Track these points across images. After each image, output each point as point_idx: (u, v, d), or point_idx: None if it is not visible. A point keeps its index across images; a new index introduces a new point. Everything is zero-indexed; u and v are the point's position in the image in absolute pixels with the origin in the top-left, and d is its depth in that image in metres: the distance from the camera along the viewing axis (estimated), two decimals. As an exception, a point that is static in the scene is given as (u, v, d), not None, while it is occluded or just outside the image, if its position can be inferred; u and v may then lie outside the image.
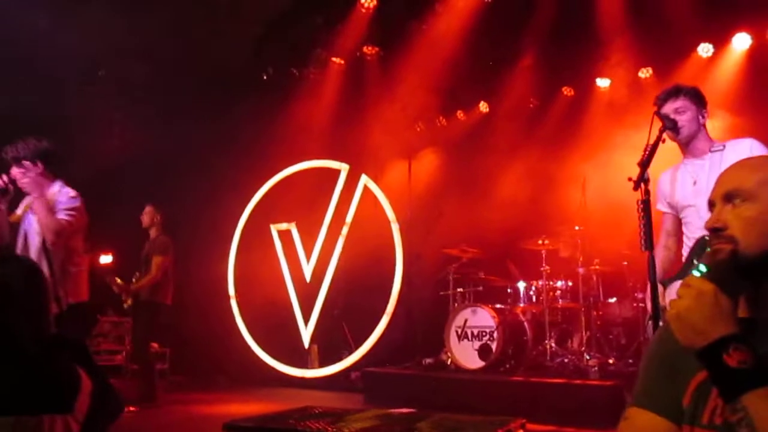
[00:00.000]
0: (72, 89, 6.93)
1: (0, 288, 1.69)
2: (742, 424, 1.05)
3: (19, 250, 3.53)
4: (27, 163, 3.60)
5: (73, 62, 6.63)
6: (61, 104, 6.66)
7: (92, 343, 8.40)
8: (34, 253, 3.50)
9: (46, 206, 3.47)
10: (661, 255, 3.07)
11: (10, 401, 1.58)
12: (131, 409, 5.80)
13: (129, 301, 6.22)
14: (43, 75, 6.36)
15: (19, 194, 3.68)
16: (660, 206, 3.13)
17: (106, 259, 9.09)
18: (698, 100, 2.99)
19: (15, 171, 3.57)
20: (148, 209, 6.44)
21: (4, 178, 3.50)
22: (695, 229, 2.92)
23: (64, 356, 1.76)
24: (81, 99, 7.02)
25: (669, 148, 3.05)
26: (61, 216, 3.53)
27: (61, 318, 3.27)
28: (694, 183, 2.94)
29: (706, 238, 2.77)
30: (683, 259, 2.99)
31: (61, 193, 3.64)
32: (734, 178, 1.24)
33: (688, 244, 2.95)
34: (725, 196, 1.23)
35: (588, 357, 5.61)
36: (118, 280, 6.12)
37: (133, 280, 6.22)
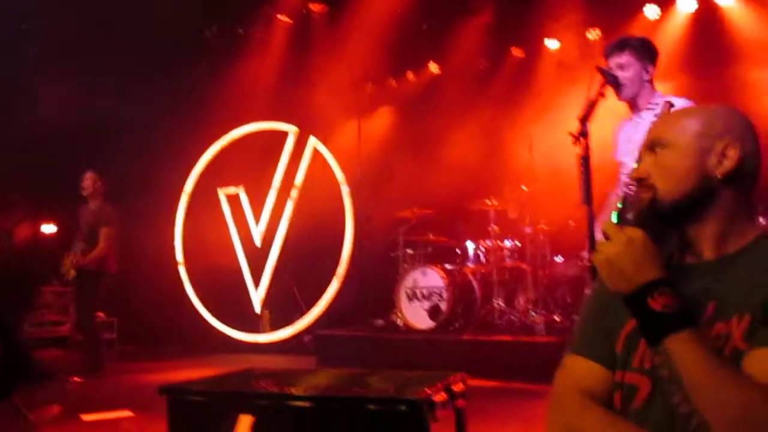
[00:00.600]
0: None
1: None
2: (663, 366, 1.08)
3: None
4: None
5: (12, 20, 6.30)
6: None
7: (35, 314, 8.20)
8: None
9: None
10: (610, 201, 3.12)
11: None
12: (76, 379, 5.68)
13: (72, 272, 6.02)
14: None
15: None
16: (615, 156, 3.16)
17: (49, 228, 8.82)
18: (644, 53, 2.93)
19: None
20: (89, 176, 6.21)
21: None
22: (621, 184, 2.97)
23: None
24: (9, 60, 6.66)
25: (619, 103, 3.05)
26: None
27: None
28: (627, 140, 2.97)
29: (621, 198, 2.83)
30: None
31: None
32: (658, 128, 1.26)
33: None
34: (649, 146, 1.25)
35: (534, 314, 5.73)
36: (72, 257, 5.92)
37: (76, 250, 6.01)
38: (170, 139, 7.85)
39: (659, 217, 1.19)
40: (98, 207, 6.14)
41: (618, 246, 1.11)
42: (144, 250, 7.68)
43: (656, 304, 1.06)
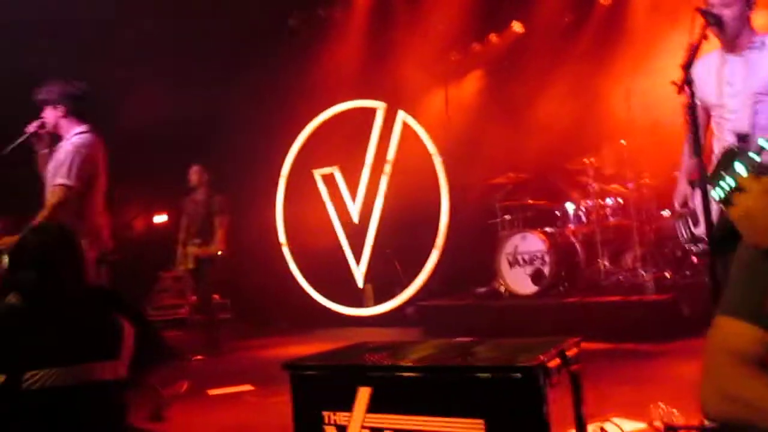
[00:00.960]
0: (104, 52, 6.99)
1: (41, 255, 1.90)
2: None
3: None
4: (50, 104, 3.64)
5: (111, 25, 6.70)
6: (94, 68, 6.76)
7: (155, 298, 8.80)
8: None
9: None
10: (684, 151, 2.97)
11: (60, 352, 1.77)
12: (198, 357, 6.07)
13: (192, 263, 6.35)
14: (85, 40, 6.48)
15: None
16: (705, 97, 2.94)
17: (160, 218, 9.40)
18: None
19: (44, 113, 3.64)
20: (195, 168, 6.51)
21: (35, 123, 3.60)
22: (724, 130, 2.78)
23: (105, 308, 1.90)
24: (114, 63, 7.08)
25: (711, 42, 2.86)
26: (60, 181, 3.46)
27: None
28: (728, 83, 2.77)
29: (734, 148, 2.65)
30: (713, 160, 2.86)
31: (72, 139, 3.58)
32: None
33: (718, 146, 2.82)
34: None
35: (643, 273, 5.53)
36: (198, 249, 6.25)
37: (196, 241, 6.32)
38: (264, 126, 8.12)
39: None
40: (206, 197, 6.43)
41: (756, 198, 1.06)
42: (249, 234, 8.03)
43: None
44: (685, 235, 2.99)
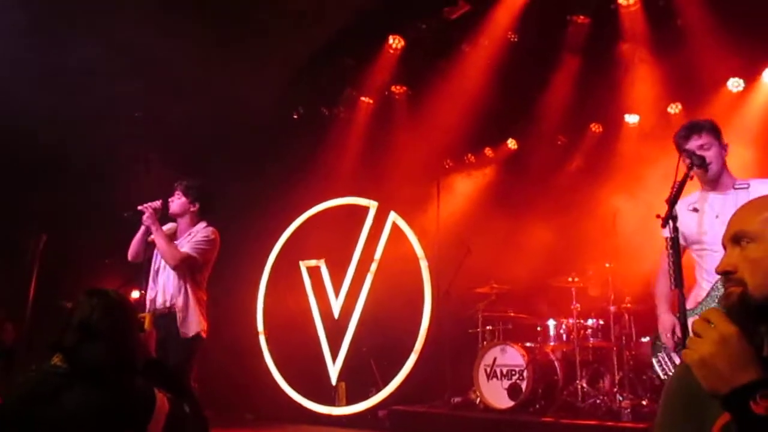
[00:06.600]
0: (105, 131, 7.14)
1: (83, 325, 1.91)
2: None
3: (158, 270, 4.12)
4: (189, 197, 4.19)
5: (112, 102, 6.88)
6: (96, 145, 6.90)
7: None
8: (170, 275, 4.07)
9: (163, 238, 3.96)
10: (662, 282, 3.04)
11: (91, 420, 1.79)
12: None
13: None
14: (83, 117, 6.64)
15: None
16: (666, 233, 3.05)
17: (135, 294, 9.24)
18: (719, 134, 3.00)
19: (176, 196, 4.19)
20: None
21: (156, 203, 4.04)
22: (714, 263, 2.86)
23: (142, 381, 1.95)
24: (113, 141, 7.22)
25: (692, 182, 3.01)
26: (187, 249, 4.05)
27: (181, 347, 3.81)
28: (717, 216, 2.90)
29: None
30: (700, 292, 2.92)
31: (200, 232, 4.16)
32: (740, 220, 1.23)
33: (707, 279, 2.89)
34: (733, 238, 1.22)
35: (621, 398, 5.48)
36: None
37: None
38: (255, 212, 8.20)
39: (750, 312, 1.14)
40: None
41: (711, 345, 1.06)
42: (227, 318, 7.89)
43: (759, 407, 1.00)
44: (667, 369, 2.99)
